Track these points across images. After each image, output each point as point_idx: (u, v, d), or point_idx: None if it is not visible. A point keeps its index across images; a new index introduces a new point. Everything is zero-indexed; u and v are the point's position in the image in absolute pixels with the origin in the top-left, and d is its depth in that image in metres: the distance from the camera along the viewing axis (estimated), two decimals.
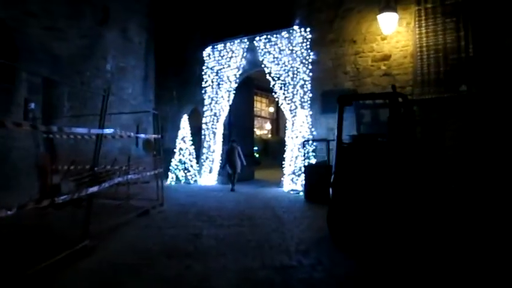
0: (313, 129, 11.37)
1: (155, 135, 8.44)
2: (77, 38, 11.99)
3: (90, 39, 12.39)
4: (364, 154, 5.57)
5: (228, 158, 12.08)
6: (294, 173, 11.03)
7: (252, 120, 15.46)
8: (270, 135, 22.55)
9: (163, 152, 10.11)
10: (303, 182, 10.63)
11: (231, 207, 8.83)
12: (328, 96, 11.45)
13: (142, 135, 8.24)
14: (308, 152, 10.60)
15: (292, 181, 11.15)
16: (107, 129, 5.66)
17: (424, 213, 5.27)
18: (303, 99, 11.64)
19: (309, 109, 11.54)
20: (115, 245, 5.68)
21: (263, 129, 23.17)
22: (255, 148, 15.55)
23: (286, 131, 12.22)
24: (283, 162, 11.85)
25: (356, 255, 5.09)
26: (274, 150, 21.13)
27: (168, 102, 15.02)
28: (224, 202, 9.49)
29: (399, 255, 5.04)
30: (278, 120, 23.35)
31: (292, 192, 10.71)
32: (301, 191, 10.59)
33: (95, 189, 5.42)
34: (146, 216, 7.76)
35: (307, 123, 11.29)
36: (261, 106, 21.56)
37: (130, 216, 7.32)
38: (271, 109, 22.97)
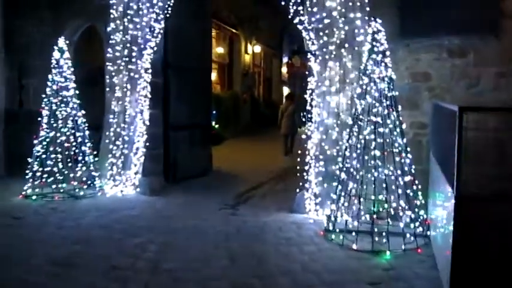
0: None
1: None
2: None
3: None
4: None
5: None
6: (343, 189, 4.42)
7: (208, 61, 8.54)
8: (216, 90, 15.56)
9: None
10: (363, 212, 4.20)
11: None
12: None
13: None
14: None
15: (336, 204, 4.55)
16: None
17: None
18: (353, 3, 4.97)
19: None
20: None
21: None
22: (213, 112, 8.78)
23: (308, 80, 5.50)
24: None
25: None
26: (228, 113, 14.25)
27: (32, 17, 7.40)
28: None
29: None
30: (231, 67, 16.31)
31: (355, 247, 4.09)
32: (373, 236, 4.11)
33: None
34: None
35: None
36: None
37: None
38: (220, 49, 15.85)
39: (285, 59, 23.57)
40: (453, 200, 2.89)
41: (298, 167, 5.43)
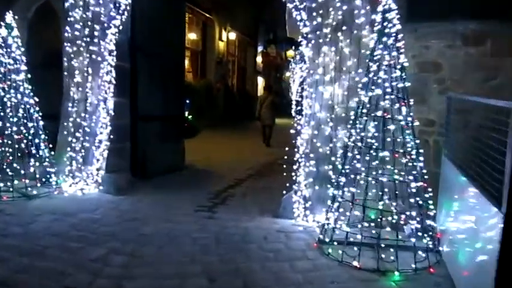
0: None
1: None
2: None
3: None
4: None
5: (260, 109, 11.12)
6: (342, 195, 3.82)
7: (181, 46, 7.80)
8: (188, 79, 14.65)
9: None
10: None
11: None
12: None
13: None
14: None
15: (332, 211, 3.96)
16: None
17: None
18: None
19: None
20: None
21: None
22: (186, 102, 8.05)
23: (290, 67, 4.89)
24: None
25: None
26: (202, 104, 13.48)
27: None
28: None
29: None
30: (205, 54, 15.48)
31: (357, 264, 3.48)
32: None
33: None
34: None
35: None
36: None
37: None
38: (193, 35, 15.00)
39: (260, 48, 22.86)
40: (500, 219, 2.35)
41: (280, 163, 4.85)
